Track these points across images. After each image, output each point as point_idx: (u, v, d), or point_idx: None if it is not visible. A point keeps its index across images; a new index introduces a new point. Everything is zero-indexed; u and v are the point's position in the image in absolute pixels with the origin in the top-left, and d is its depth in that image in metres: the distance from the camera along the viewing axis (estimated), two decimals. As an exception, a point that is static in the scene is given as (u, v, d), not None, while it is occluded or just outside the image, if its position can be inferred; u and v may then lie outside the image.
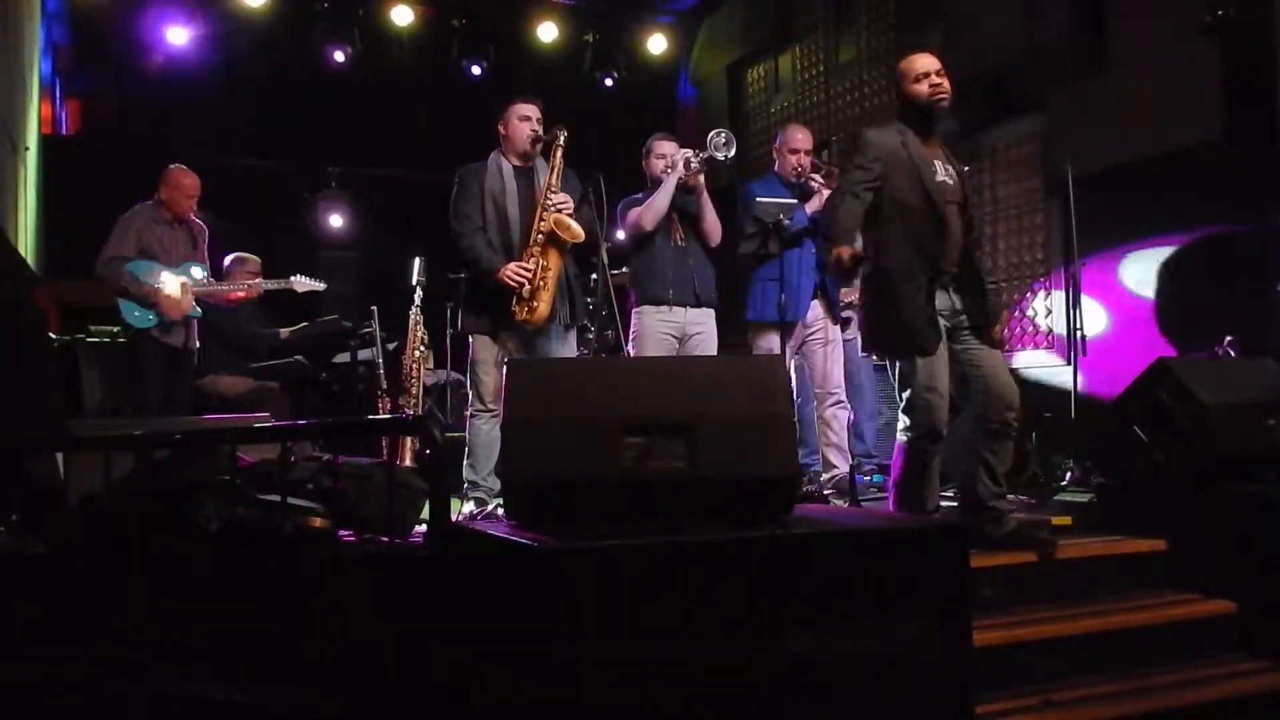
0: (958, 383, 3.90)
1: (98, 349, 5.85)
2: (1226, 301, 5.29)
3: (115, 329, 5.72)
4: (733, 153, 4.89)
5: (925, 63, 3.85)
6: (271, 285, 5.92)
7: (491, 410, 4.41)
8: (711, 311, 5.02)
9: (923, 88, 3.82)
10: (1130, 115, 5.79)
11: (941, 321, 3.79)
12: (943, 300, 3.82)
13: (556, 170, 4.48)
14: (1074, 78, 6.19)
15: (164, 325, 5.31)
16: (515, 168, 4.57)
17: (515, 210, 4.49)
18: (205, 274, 5.60)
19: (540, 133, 4.54)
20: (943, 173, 3.86)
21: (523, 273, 4.34)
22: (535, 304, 4.35)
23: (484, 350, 4.49)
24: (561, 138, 4.49)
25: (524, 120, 4.55)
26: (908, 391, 3.79)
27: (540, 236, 4.40)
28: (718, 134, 4.88)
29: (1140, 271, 5.92)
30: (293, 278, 5.98)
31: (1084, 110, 6.09)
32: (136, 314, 5.27)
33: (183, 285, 5.40)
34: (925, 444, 3.78)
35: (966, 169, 4.00)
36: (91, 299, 5.82)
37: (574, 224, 4.41)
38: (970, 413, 3.90)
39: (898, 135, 3.87)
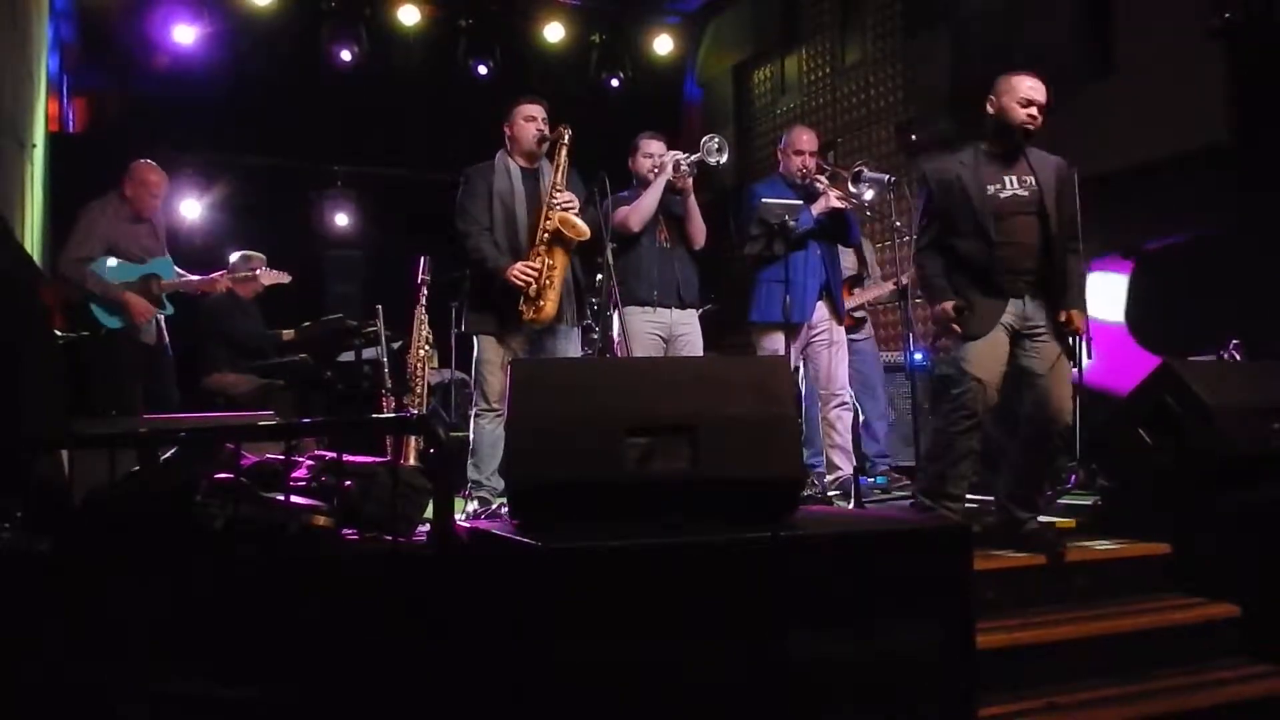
0: (1013, 387, 3.98)
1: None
2: (1232, 304, 5.28)
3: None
4: (725, 158, 4.89)
5: (1033, 90, 3.93)
6: (240, 276, 5.88)
7: (496, 410, 4.41)
8: (695, 313, 5.02)
9: (1020, 113, 3.91)
10: (1136, 118, 5.78)
11: (1007, 321, 3.89)
12: (1015, 306, 3.91)
13: (561, 169, 4.49)
14: (1079, 80, 6.17)
15: (135, 326, 5.18)
16: (522, 169, 4.58)
17: (523, 212, 4.49)
18: (173, 269, 5.46)
19: (545, 133, 4.54)
20: (1014, 186, 3.94)
21: (530, 272, 4.35)
22: (542, 303, 4.36)
23: (489, 350, 4.49)
24: (566, 136, 4.50)
25: (529, 120, 4.56)
26: (952, 370, 3.96)
27: (545, 235, 4.41)
28: (711, 139, 4.88)
29: (1145, 274, 5.91)
30: (258, 270, 5.96)
31: (1090, 113, 6.08)
32: (106, 313, 5.13)
33: (153, 281, 5.29)
34: (957, 419, 3.86)
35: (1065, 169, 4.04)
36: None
37: (579, 222, 4.41)
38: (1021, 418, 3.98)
39: (956, 165, 3.99)
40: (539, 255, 4.39)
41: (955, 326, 3.91)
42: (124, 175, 5.39)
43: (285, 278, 6.04)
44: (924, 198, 4.10)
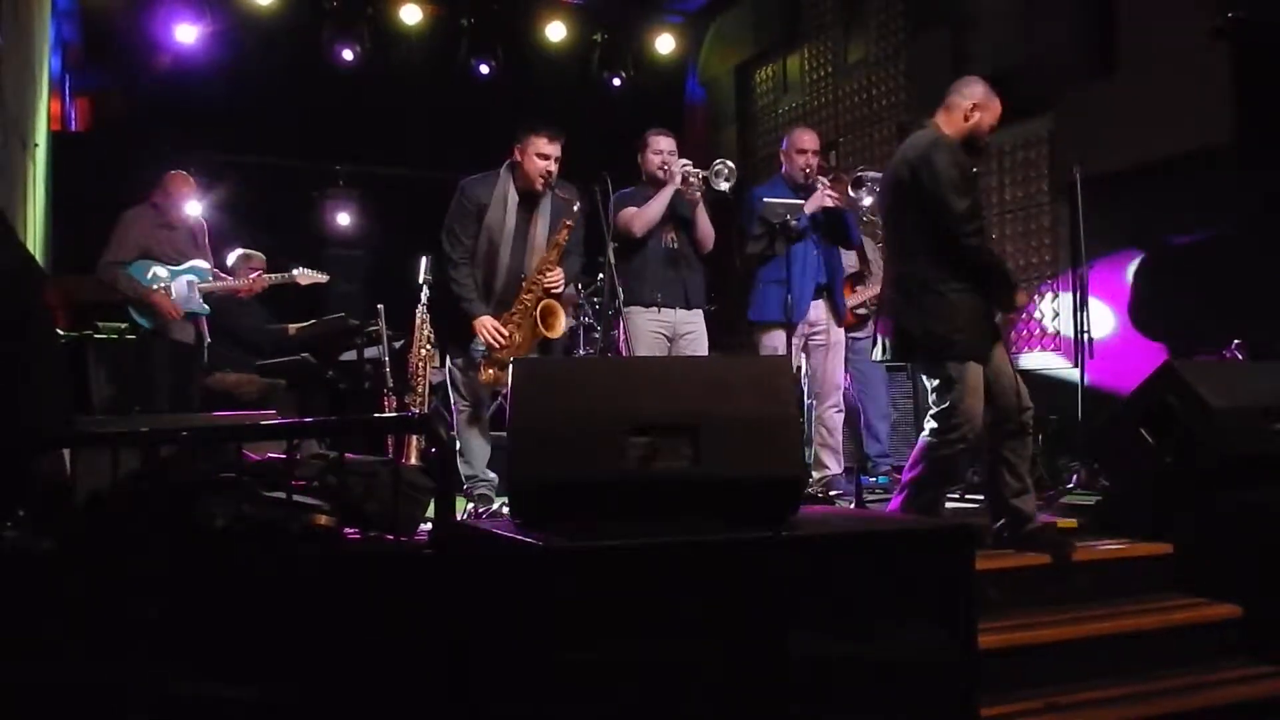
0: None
1: (106, 346, 5.87)
2: (1234, 304, 5.27)
3: (124, 325, 5.76)
4: (730, 185, 4.93)
5: (998, 109, 3.99)
6: (275, 279, 5.96)
7: (469, 403, 4.44)
8: (700, 313, 5.01)
9: (986, 129, 3.98)
10: (1139, 117, 5.77)
11: None
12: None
13: (559, 248, 4.41)
14: (1082, 79, 6.17)
15: (166, 325, 5.37)
16: (520, 196, 4.46)
17: (506, 255, 4.43)
18: (210, 271, 5.65)
19: (554, 173, 4.41)
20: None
21: (499, 339, 4.32)
22: (500, 372, 4.30)
23: (459, 362, 4.54)
24: (576, 206, 4.41)
25: (542, 159, 4.40)
26: (950, 397, 3.78)
27: (524, 307, 4.37)
28: (721, 164, 4.91)
29: (1148, 273, 5.91)
30: (295, 271, 6.03)
31: (1092, 112, 6.07)
32: (143, 314, 5.36)
33: (189, 284, 5.48)
34: (960, 448, 3.79)
35: (976, 170, 4.03)
36: (100, 296, 5.85)
37: (560, 316, 4.38)
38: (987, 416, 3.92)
39: (949, 152, 3.90)
40: (511, 325, 4.35)
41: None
42: (158, 184, 5.61)
43: (322, 278, 6.14)
44: (952, 177, 3.81)
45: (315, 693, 2.56)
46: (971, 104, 3.96)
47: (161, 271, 5.45)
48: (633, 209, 4.85)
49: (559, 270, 4.40)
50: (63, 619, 2.55)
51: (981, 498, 4.66)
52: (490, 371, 4.34)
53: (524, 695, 2.42)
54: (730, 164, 4.94)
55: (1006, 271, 3.89)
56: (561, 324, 4.40)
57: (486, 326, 4.31)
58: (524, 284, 4.40)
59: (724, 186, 4.90)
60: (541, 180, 4.40)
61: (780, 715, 2.47)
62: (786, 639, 2.48)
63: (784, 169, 5.32)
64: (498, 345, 4.31)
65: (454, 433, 4.53)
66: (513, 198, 4.45)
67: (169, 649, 2.54)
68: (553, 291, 4.39)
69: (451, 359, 4.56)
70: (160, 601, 2.57)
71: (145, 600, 2.57)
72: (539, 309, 4.36)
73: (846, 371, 5.90)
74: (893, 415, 6.11)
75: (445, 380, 6.84)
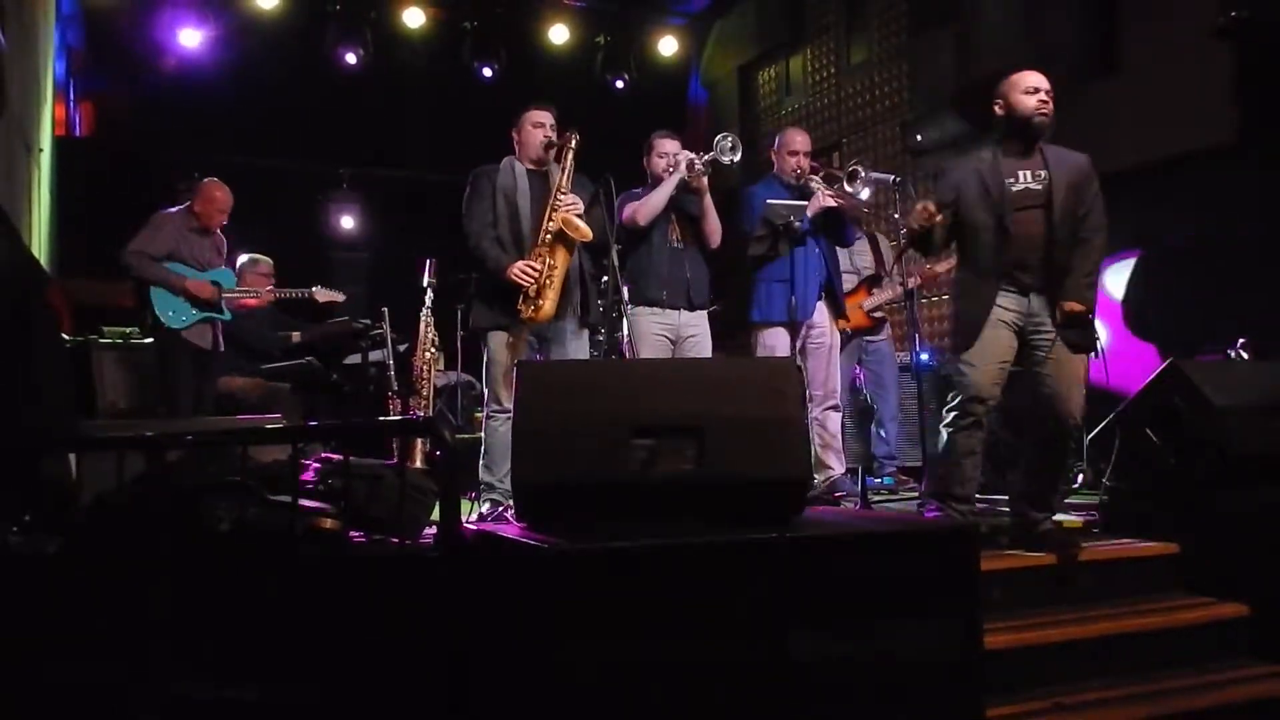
0: (1022, 387, 3.97)
1: (111, 349, 5.89)
2: (1239, 304, 5.27)
3: (129, 329, 5.79)
4: (738, 157, 4.89)
5: (1038, 79, 3.98)
6: (293, 294, 6.02)
7: (508, 411, 4.41)
8: (704, 314, 5.01)
9: (1030, 101, 3.94)
10: (1141, 117, 5.77)
11: (1010, 319, 3.89)
12: (1019, 303, 3.89)
13: (567, 172, 4.49)
14: (1085, 79, 6.17)
15: (193, 326, 5.44)
16: (529, 170, 4.59)
17: (527, 205, 4.50)
18: (234, 280, 5.79)
19: (553, 139, 4.55)
20: (1028, 180, 3.94)
21: (530, 271, 4.35)
22: (541, 302, 4.35)
23: (499, 351, 4.50)
24: (573, 141, 4.50)
25: (537, 127, 4.58)
26: (953, 369, 3.98)
27: (548, 235, 4.42)
28: (724, 138, 4.87)
29: (1152, 274, 5.90)
30: (314, 288, 6.11)
31: (1094, 111, 6.07)
32: (171, 313, 5.39)
33: (215, 288, 5.55)
34: (956, 419, 3.87)
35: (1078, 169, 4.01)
36: (105, 299, 5.88)
37: (581, 224, 4.41)
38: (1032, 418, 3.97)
39: (975, 162, 4.01)
40: (540, 255, 4.40)
41: (930, 211, 3.87)
42: (194, 191, 5.71)
43: (339, 296, 6.21)
44: (942, 187, 4.09)
45: (320, 695, 2.56)
46: (997, 99, 4.01)
47: (190, 273, 5.54)
48: (635, 203, 4.86)
49: (572, 194, 4.48)
50: (68, 622, 2.56)
51: (990, 499, 4.66)
52: (529, 308, 4.35)
53: (527, 696, 2.42)
54: (733, 136, 4.92)
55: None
56: (584, 227, 4.41)
57: (516, 268, 4.36)
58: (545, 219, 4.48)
59: (730, 159, 4.88)
60: (543, 145, 4.55)
61: (787, 716, 2.47)
62: (792, 640, 2.48)
63: (775, 168, 5.31)
64: (532, 278, 4.34)
65: (484, 435, 4.55)
66: (521, 168, 4.60)
67: (173, 650, 2.54)
68: (570, 209, 4.42)
69: (490, 353, 4.53)
70: (166, 604, 2.57)
71: (150, 603, 2.57)
72: (558, 230, 4.42)
73: (860, 371, 5.90)
74: (899, 417, 6.11)
75: (450, 383, 6.90)
